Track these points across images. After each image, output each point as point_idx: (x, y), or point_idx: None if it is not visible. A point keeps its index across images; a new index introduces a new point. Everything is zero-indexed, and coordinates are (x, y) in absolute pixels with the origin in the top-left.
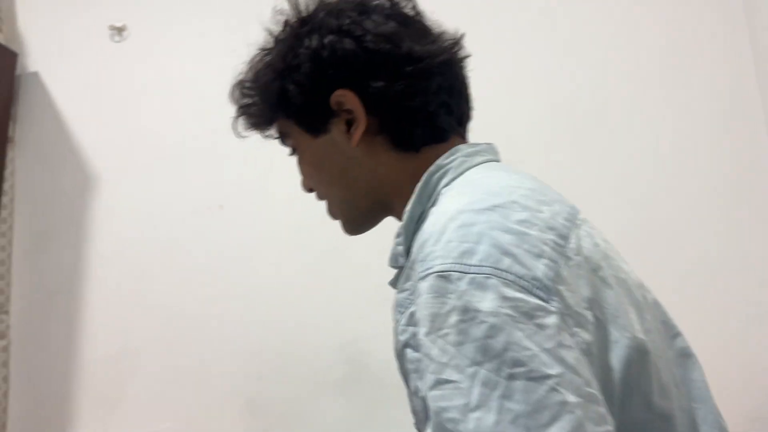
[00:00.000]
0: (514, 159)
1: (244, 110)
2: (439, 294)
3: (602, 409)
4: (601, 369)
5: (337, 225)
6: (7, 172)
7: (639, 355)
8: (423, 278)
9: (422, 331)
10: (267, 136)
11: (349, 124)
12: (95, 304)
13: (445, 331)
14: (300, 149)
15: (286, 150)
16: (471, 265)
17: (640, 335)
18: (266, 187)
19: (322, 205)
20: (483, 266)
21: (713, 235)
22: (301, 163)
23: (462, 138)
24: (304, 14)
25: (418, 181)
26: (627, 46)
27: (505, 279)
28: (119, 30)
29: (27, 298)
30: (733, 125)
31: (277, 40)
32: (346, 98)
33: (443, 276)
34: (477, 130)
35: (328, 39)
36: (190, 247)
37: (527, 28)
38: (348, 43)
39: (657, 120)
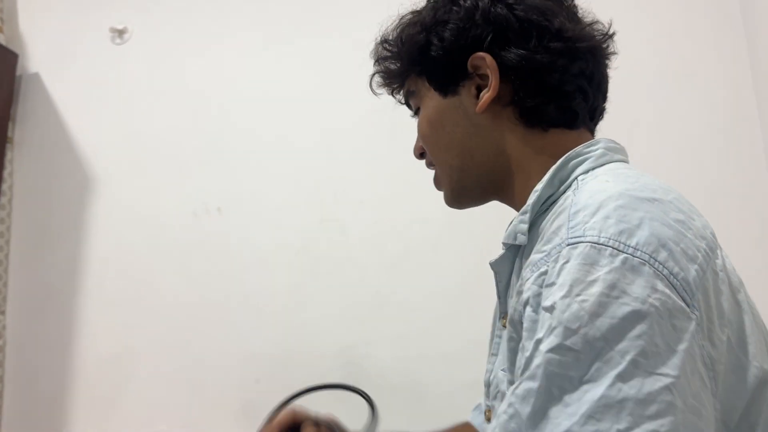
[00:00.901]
0: None
1: (381, 64)
2: (589, 263)
3: (701, 424)
4: (726, 390)
5: (333, 230)
6: (5, 173)
7: (762, 386)
8: (573, 245)
9: (559, 294)
10: (394, 96)
11: (480, 89)
12: (92, 306)
13: (583, 297)
14: (424, 108)
15: (285, 154)
16: (628, 246)
17: (767, 366)
18: (265, 191)
19: (321, 210)
20: (640, 251)
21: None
22: (422, 123)
23: (591, 133)
24: None
25: (540, 160)
26: (625, 54)
27: (659, 271)
28: (120, 32)
29: (24, 298)
30: (731, 133)
31: (432, 1)
32: (484, 61)
33: (596, 248)
34: None
35: (483, 2)
36: (188, 250)
37: None
38: (500, 8)
39: (655, 128)
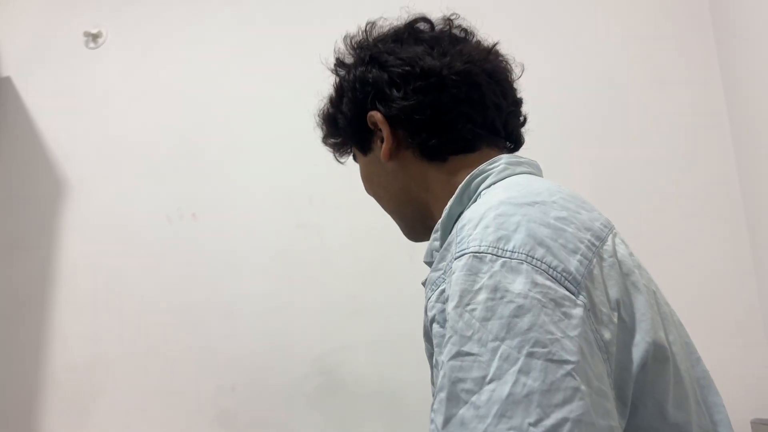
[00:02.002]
0: None
1: (323, 141)
2: (472, 272)
3: (609, 405)
4: (618, 368)
5: (309, 236)
6: None
7: (657, 360)
8: (457, 258)
9: (451, 305)
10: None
11: (382, 142)
12: (66, 313)
13: (472, 306)
14: (360, 167)
15: (260, 159)
16: (506, 250)
17: (663, 342)
18: (240, 196)
19: (296, 215)
20: (517, 252)
21: (682, 244)
22: (362, 179)
23: (499, 147)
24: (349, 52)
25: (449, 187)
26: (596, 60)
27: (537, 267)
28: (94, 36)
29: None
30: (701, 136)
31: (336, 74)
32: (375, 118)
33: (477, 256)
34: None
35: (360, 71)
36: (162, 256)
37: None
38: (375, 71)
39: (626, 132)
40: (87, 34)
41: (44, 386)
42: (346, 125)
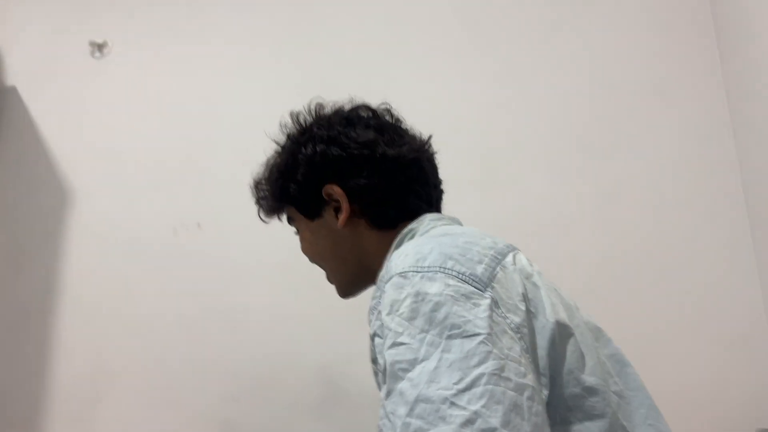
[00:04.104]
0: (496, 188)
1: (259, 202)
2: (398, 287)
3: (523, 369)
4: (532, 347)
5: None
6: None
7: (562, 336)
8: (388, 281)
9: (384, 314)
10: (283, 219)
11: (337, 210)
12: (70, 324)
13: (401, 310)
14: (301, 229)
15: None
16: (423, 267)
17: (564, 321)
18: (244, 206)
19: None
20: (432, 266)
21: (686, 255)
22: (302, 240)
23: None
24: (301, 128)
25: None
26: (606, 74)
27: (449, 273)
28: (100, 46)
29: (0, 316)
30: (705, 148)
31: (283, 148)
32: (334, 191)
33: (402, 275)
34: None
35: (320, 147)
36: (166, 267)
37: (511, 58)
38: (335, 150)
39: (634, 142)
40: (93, 44)
41: (49, 396)
42: (297, 194)
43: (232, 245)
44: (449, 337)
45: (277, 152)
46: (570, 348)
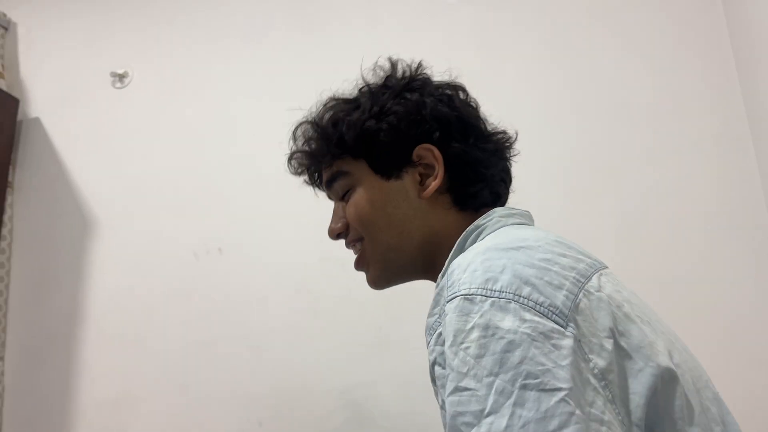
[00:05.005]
0: (517, 202)
1: (308, 144)
2: (464, 313)
3: (604, 428)
4: (622, 394)
5: (333, 269)
6: (6, 217)
7: (665, 382)
8: (449, 300)
9: (447, 345)
10: (310, 181)
11: (422, 177)
12: (93, 350)
13: (466, 344)
14: (364, 189)
15: (284, 194)
16: (494, 290)
17: (668, 365)
18: (264, 231)
19: (320, 249)
20: (505, 292)
21: (708, 273)
22: (355, 205)
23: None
24: (405, 75)
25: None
26: (622, 94)
27: (524, 305)
28: (120, 76)
29: (23, 343)
30: (726, 167)
31: (370, 91)
32: (431, 153)
33: (468, 298)
34: None
35: (430, 99)
36: (188, 292)
37: (525, 77)
38: (444, 107)
39: (653, 162)
40: (113, 74)
41: (73, 422)
42: (389, 143)
43: (253, 269)
44: (523, 387)
45: (343, 98)
46: (674, 395)
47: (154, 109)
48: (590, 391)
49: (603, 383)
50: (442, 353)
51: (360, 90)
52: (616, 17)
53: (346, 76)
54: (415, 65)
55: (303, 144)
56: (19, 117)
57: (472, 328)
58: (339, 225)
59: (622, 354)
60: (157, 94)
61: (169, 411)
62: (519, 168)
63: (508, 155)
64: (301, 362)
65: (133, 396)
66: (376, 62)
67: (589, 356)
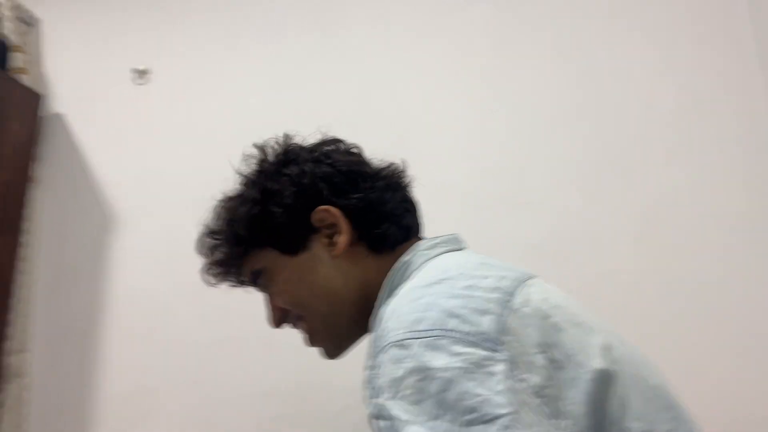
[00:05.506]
0: (531, 205)
1: (213, 255)
2: (397, 360)
3: None
4: (563, 406)
5: None
6: (30, 212)
7: (602, 383)
8: (382, 350)
9: (385, 396)
10: (235, 283)
11: (330, 237)
12: (114, 343)
13: (403, 392)
14: (276, 276)
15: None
16: (421, 330)
17: (602, 366)
18: None
19: None
20: (432, 329)
21: (728, 276)
22: (278, 290)
23: (418, 236)
24: (276, 153)
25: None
26: (643, 93)
27: (453, 337)
28: (142, 73)
29: (47, 336)
30: (749, 168)
31: (248, 182)
32: (329, 213)
33: (398, 344)
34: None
35: (308, 166)
36: (206, 288)
37: (543, 75)
38: (325, 167)
39: (673, 165)
40: (134, 71)
41: (91, 415)
42: (285, 221)
43: None
44: (468, 424)
45: (236, 191)
46: (612, 395)
47: (174, 105)
48: (530, 412)
49: (541, 400)
50: (383, 406)
51: (241, 184)
52: (636, 14)
53: (369, 77)
54: (282, 140)
55: (210, 255)
56: (42, 113)
57: (407, 374)
58: (276, 314)
59: (555, 366)
60: (177, 90)
61: (186, 405)
62: (534, 166)
63: (403, 184)
64: (316, 360)
65: (149, 389)
66: (244, 153)
67: (523, 375)
